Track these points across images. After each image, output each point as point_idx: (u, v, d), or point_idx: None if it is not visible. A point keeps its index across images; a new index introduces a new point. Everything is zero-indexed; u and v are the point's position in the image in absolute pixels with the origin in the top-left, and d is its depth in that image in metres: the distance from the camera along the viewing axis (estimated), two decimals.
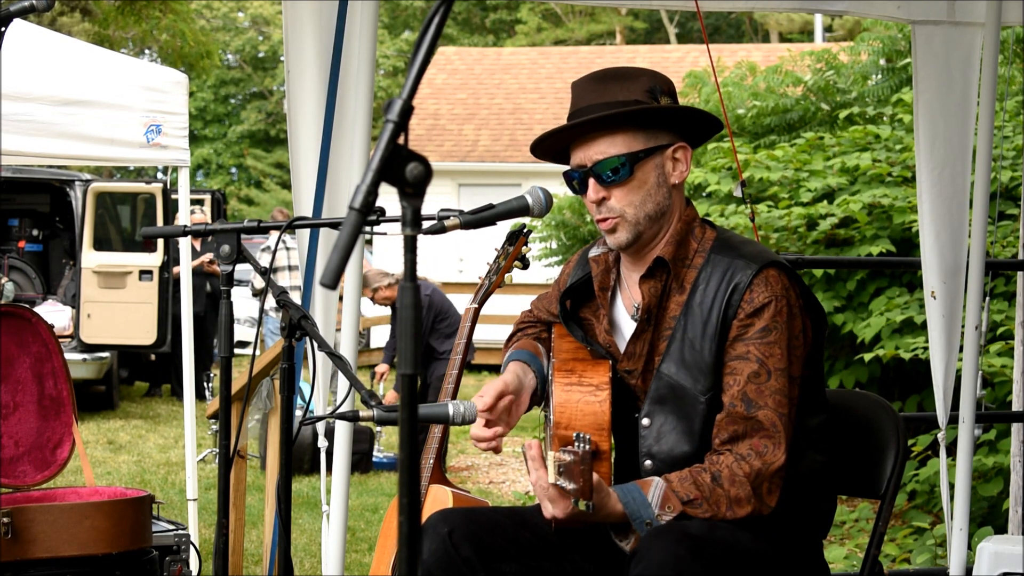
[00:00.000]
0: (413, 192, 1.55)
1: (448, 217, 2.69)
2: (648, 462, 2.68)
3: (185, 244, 5.83)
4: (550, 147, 2.78)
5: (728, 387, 2.61)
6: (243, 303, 15.59)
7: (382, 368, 9.71)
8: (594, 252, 2.85)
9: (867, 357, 6.62)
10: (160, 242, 11.18)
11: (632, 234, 2.70)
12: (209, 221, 12.34)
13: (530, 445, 2.60)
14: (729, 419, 2.59)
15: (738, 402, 2.59)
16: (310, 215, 3.90)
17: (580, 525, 2.61)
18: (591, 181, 2.69)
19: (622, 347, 2.77)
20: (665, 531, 2.49)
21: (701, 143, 2.86)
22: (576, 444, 2.41)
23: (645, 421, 2.69)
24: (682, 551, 2.41)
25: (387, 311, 11.28)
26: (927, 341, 4.60)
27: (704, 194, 9.02)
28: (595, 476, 2.47)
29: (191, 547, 4.50)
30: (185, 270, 5.62)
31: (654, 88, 2.69)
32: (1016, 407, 5.20)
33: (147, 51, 24.64)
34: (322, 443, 4.18)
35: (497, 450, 2.75)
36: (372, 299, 9.29)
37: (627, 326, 2.78)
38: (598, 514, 2.53)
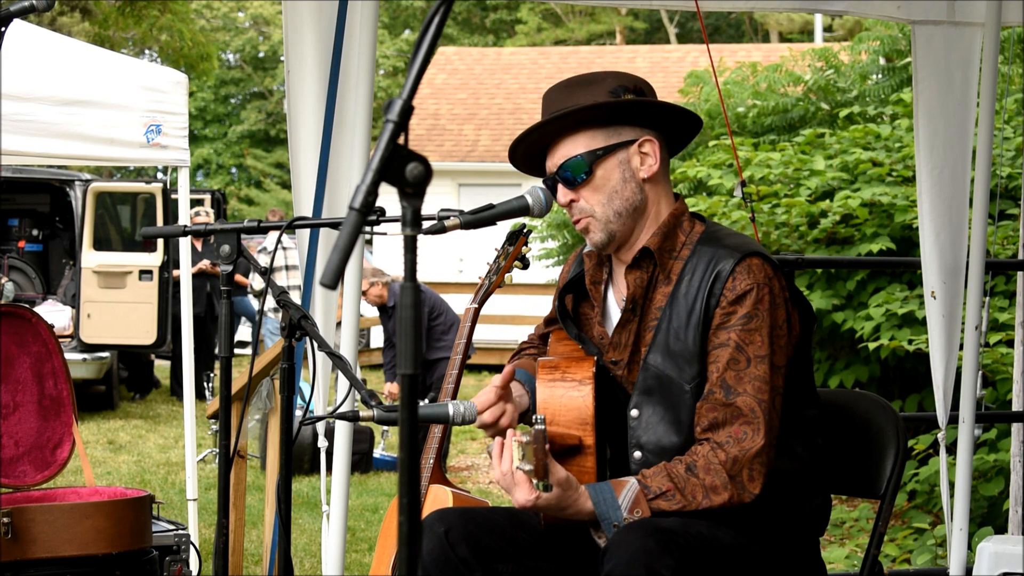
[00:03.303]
0: (413, 192, 1.55)
1: (448, 217, 2.69)
2: (637, 453, 2.68)
3: (185, 244, 5.83)
4: (525, 159, 2.81)
5: (710, 375, 2.61)
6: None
7: (394, 390, 9.46)
8: (588, 247, 2.86)
9: (871, 347, 6.62)
10: (160, 242, 11.18)
11: (605, 233, 2.72)
12: (212, 222, 12.32)
13: (496, 440, 2.60)
14: (709, 406, 2.60)
15: (717, 389, 2.59)
16: (310, 215, 3.90)
17: (557, 518, 2.61)
18: (560, 186, 2.73)
19: None
20: (636, 526, 2.49)
21: (684, 143, 2.85)
22: (534, 426, 2.43)
23: (634, 412, 2.69)
24: (651, 544, 2.41)
25: None
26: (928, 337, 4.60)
27: (706, 193, 9.03)
28: (560, 468, 2.51)
29: (191, 547, 4.49)
30: (185, 270, 5.61)
31: (618, 88, 2.69)
32: (1016, 407, 5.20)
33: (147, 51, 24.63)
34: (322, 443, 4.18)
35: (503, 432, 2.75)
36: (363, 294, 9.10)
37: (616, 317, 2.79)
38: (567, 512, 2.54)
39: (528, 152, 2.78)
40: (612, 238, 2.72)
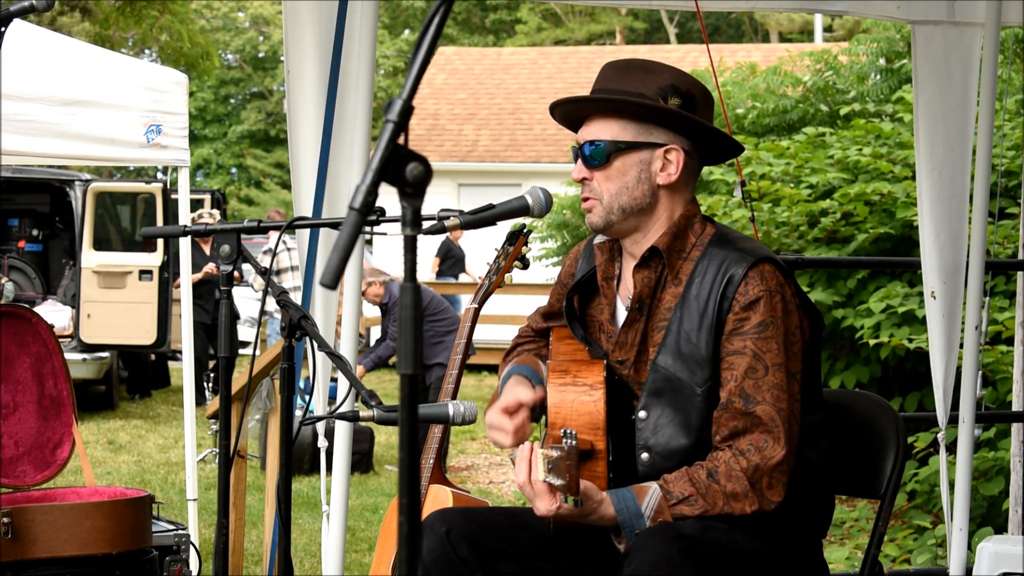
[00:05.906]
0: (413, 192, 1.55)
1: (448, 217, 2.69)
2: (645, 455, 2.67)
3: (185, 245, 5.83)
4: (564, 115, 2.83)
5: (725, 382, 2.61)
6: (245, 303, 15.58)
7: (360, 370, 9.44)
8: (599, 239, 2.86)
9: (872, 343, 6.62)
10: (160, 242, 11.18)
11: (603, 220, 2.73)
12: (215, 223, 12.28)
13: (521, 447, 2.60)
14: (728, 415, 2.60)
15: (736, 397, 2.59)
16: (310, 215, 3.90)
17: (574, 524, 2.61)
18: (579, 160, 2.75)
19: None
20: (658, 531, 2.50)
21: (715, 161, 2.86)
22: (564, 440, 2.43)
23: (642, 414, 2.69)
24: (673, 551, 2.42)
25: None
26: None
27: (709, 192, 9.02)
28: (584, 481, 2.50)
29: (191, 547, 4.49)
30: (185, 271, 5.61)
31: (667, 88, 2.68)
32: (1016, 407, 5.20)
33: (147, 51, 24.64)
34: (322, 443, 4.18)
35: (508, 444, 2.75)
36: (363, 293, 9.08)
37: (623, 316, 2.79)
38: (590, 518, 2.54)
39: (568, 112, 2.81)
40: (609, 227, 2.74)
